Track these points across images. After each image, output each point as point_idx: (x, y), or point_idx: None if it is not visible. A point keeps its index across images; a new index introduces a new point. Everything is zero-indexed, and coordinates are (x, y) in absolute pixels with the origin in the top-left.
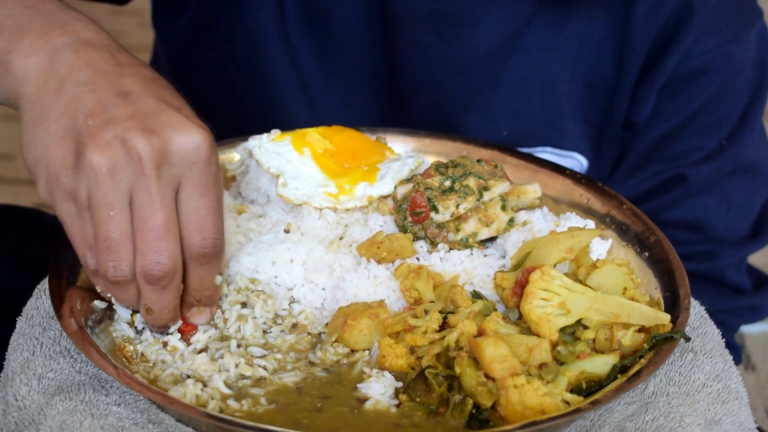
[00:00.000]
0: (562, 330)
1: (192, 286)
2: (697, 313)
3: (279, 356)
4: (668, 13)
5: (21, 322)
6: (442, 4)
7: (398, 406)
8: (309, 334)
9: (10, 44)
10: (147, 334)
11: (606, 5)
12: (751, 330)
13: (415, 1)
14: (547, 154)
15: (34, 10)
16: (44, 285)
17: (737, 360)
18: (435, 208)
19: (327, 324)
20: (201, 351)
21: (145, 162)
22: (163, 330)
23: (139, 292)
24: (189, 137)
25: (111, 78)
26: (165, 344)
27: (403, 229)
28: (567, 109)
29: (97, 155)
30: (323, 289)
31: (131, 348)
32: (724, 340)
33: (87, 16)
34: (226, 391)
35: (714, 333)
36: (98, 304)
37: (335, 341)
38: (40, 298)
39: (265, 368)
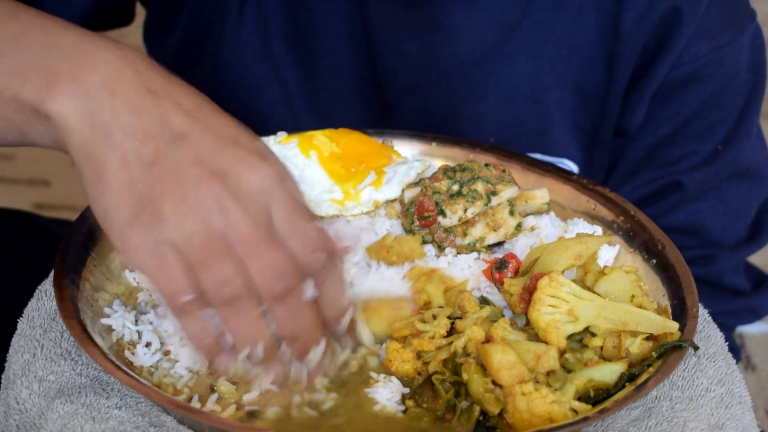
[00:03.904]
0: (570, 337)
1: (326, 304)
2: (699, 315)
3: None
4: (657, 20)
5: (22, 324)
6: (422, 11)
7: (405, 411)
8: None
9: (43, 92)
10: (145, 340)
11: (595, 12)
12: (751, 330)
13: (395, 9)
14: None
15: (57, 48)
16: (45, 286)
17: (737, 358)
18: (443, 212)
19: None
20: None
21: (225, 201)
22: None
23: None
24: (258, 174)
25: (157, 119)
26: (167, 353)
27: (411, 233)
28: (557, 116)
29: (171, 204)
30: None
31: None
32: (727, 343)
33: (108, 37)
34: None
35: (717, 336)
36: (106, 310)
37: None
38: (41, 299)
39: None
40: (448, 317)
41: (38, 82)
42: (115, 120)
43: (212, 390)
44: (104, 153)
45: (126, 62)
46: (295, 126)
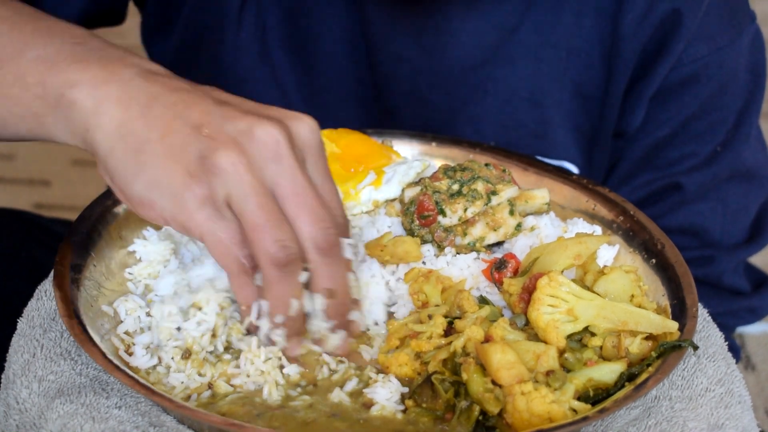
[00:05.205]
0: (570, 337)
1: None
2: (699, 315)
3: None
4: (657, 22)
5: (22, 324)
6: (421, 16)
7: (404, 411)
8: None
9: (72, 77)
10: (140, 343)
11: (594, 14)
12: (751, 330)
13: (394, 15)
14: None
15: (85, 46)
16: (45, 286)
17: (736, 359)
18: (443, 212)
19: None
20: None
21: (280, 145)
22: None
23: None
24: (305, 123)
25: (198, 94)
26: (160, 359)
27: (410, 232)
28: (556, 118)
29: (228, 153)
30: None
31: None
32: (727, 343)
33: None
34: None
35: (717, 336)
36: (105, 308)
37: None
38: (41, 299)
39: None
40: (446, 317)
41: (66, 67)
42: (155, 98)
43: (210, 388)
44: (144, 125)
45: (157, 66)
46: None
